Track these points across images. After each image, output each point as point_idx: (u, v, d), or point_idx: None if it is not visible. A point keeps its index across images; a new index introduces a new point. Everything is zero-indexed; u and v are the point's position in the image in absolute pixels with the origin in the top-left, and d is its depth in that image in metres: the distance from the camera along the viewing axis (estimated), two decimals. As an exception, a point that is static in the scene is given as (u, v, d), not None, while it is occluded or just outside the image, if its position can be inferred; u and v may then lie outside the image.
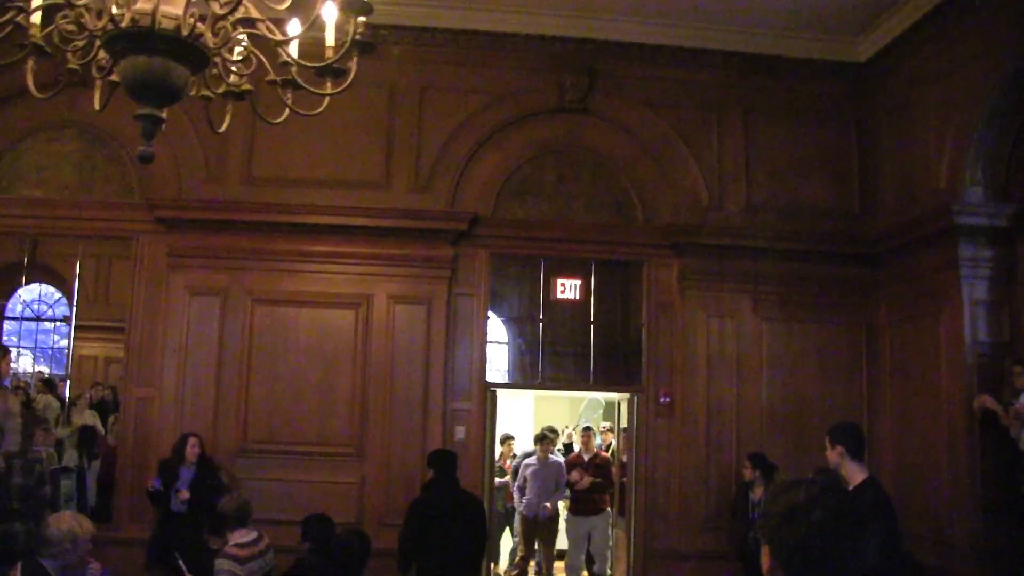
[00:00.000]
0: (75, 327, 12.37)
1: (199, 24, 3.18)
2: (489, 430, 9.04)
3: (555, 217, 9.22)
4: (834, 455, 5.21)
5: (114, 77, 3.48)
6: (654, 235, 9.19)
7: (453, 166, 9.09)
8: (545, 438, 10.14)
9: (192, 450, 7.89)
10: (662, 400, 9.02)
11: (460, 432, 8.64)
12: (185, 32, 3.13)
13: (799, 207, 9.32)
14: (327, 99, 4.15)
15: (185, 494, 7.71)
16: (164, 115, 3.45)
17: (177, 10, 3.17)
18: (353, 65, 3.65)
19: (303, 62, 3.77)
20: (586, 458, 10.24)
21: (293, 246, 8.77)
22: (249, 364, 8.64)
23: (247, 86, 3.85)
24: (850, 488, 5.16)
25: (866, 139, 9.48)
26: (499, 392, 9.43)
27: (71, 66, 3.41)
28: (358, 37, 3.47)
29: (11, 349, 10.02)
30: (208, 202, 8.73)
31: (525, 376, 9.96)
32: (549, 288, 9.35)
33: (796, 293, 9.21)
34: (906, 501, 8.27)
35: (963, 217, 8.02)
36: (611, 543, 10.12)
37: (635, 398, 9.19)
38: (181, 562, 5.44)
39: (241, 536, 5.44)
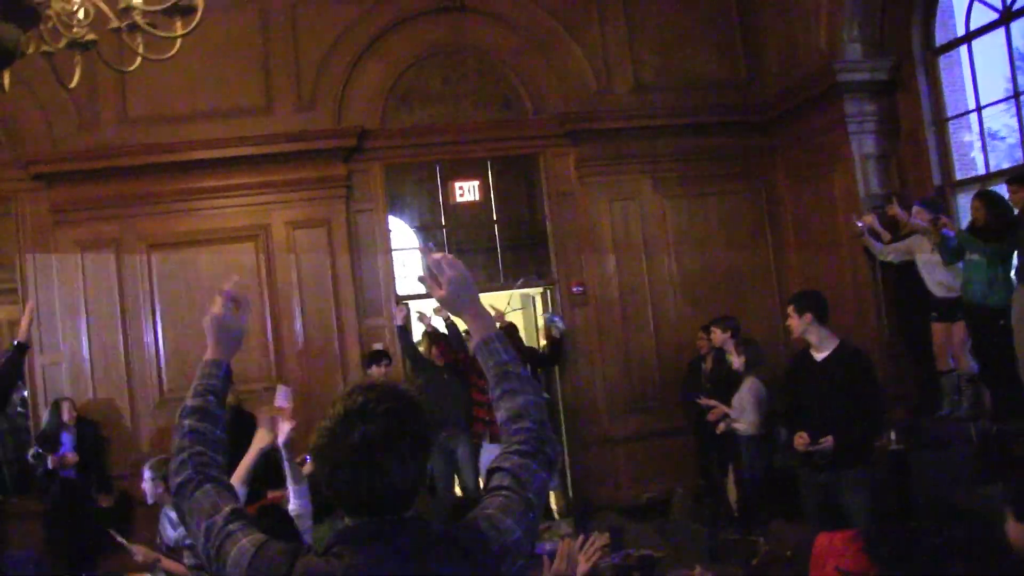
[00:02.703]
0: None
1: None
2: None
3: (445, 120, 9.05)
4: (801, 323, 5.25)
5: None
6: (547, 126, 9.09)
7: (335, 81, 8.82)
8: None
9: (69, 414, 7.84)
10: (575, 290, 9.07)
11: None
12: None
13: (688, 81, 9.24)
14: (179, 41, 4.00)
15: (73, 457, 7.68)
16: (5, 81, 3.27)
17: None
18: (200, 1, 3.48)
19: (145, 6, 3.60)
20: None
21: (181, 185, 8.52)
22: (154, 313, 8.48)
23: (91, 36, 3.66)
24: (821, 356, 5.27)
25: (747, 6, 9.39)
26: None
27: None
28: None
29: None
30: (85, 151, 8.38)
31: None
32: (448, 192, 9.26)
33: (694, 167, 9.24)
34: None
35: (845, 74, 8.12)
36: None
37: (547, 291, 9.24)
38: (120, 539, 5.40)
39: None
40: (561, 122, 9.01)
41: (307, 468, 6.05)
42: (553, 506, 8.61)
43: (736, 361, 7.25)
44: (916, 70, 8.09)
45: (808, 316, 5.23)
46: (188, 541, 4.51)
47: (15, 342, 5.84)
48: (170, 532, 5.01)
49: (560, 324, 8.43)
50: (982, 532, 3.96)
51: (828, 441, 5.24)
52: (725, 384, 7.43)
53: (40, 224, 8.42)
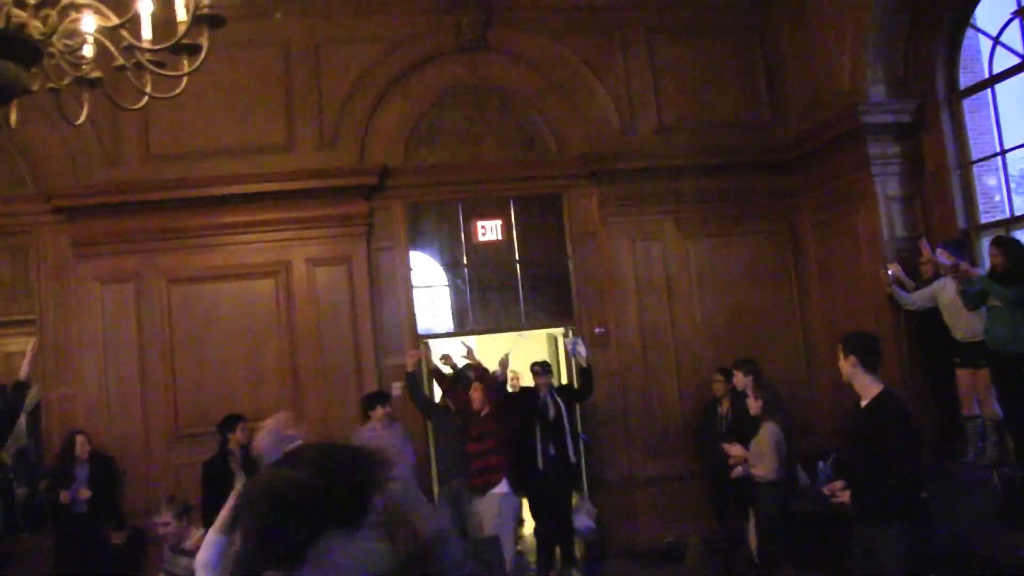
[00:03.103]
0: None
1: (18, 12, 2.96)
2: (427, 382, 8.93)
3: (467, 159, 9.05)
4: (846, 365, 4.98)
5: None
6: (569, 166, 9.09)
7: (357, 119, 8.85)
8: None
9: (82, 448, 7.72)
10: (597, 331, 8.99)
11: (396, 389, 8.45)
12: (1, 23, 2.90)
13: (711, 122, 9.24)
14: (185, 80, 3.97)
15: (86, 492, 7.56)
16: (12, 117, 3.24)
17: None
18: (205, 40, 3.46)
19: (148, 45, 3.56)
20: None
21: (202, 220, 8.50)
22: (172, 347, 8.41)
23: (96, 73, 3.63)
24: (864, 403, 4.99)
25: (770, 48, 9.45)
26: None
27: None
28: (205, 11, 3.28)
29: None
30: (107, 186, 8.39)
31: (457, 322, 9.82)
32: (470, 231, 9.20)
33: (717, 208, 9.20)
34: (847, 403, 8.37)
35: (868, 116, 8.12)
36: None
37: (569, 332, 9.15)
38: None
39: None
40: (584, 162, 9.01)
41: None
42: (578, 553, 8.38)
43: (754, 406, 7.13)
44: (940, 112, 8.10)
45: (852, 359, 4.95)
46: None
47: (16, 381, 5.80)
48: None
49: (582, 350, 8.24)
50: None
51: (843, 495, 5.09)
52: (742, 428, 7.32)
53: (60, 257, 8.40)
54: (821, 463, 8.24)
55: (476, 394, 7.37)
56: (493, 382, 7.72)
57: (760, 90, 9.38)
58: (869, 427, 5.05)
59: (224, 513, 3.77)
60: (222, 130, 8.65)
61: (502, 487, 7.23)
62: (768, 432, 6.97)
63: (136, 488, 8.08)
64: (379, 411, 7.67)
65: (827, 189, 8.88)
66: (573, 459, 7.99)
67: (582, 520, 8.30)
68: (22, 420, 8.53)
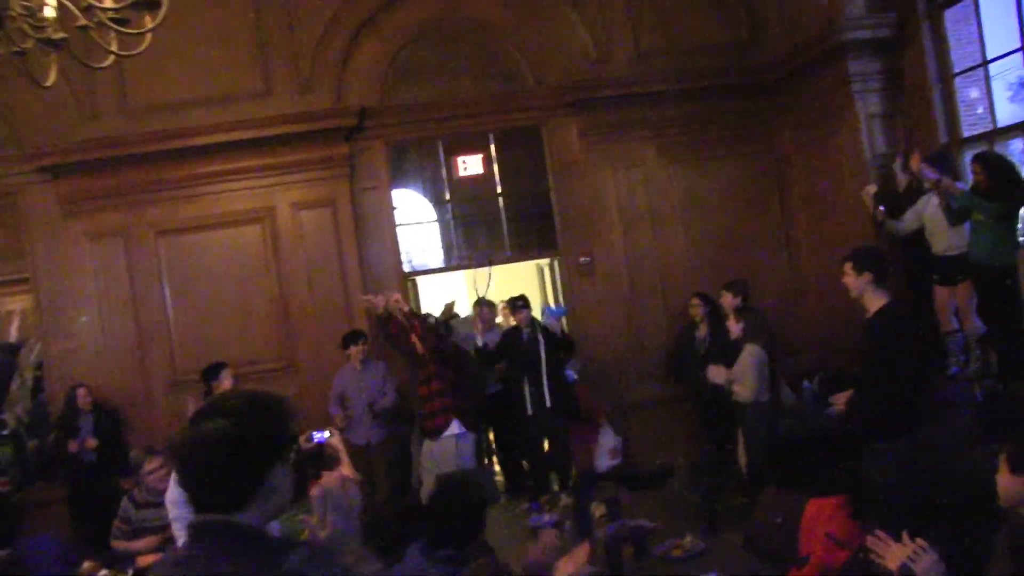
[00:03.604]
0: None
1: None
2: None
3: (445, 96, 9.03)
4: (859, 281, 4.87)
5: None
6: (548, 97, 9.05)
7: (333, 60, 8.82)
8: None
9: (84, 400, 8.02)
10: (581, 261, 9.06)
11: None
12: None
13: (690, 45, 9.11)
14: (148, 36, 4.03)
15: (92, 442, 7.89)
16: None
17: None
18: None
19: (110, 3, 3.62)
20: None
21: (186, 171, 8.59)
22: (164, 298, 8.60)
23: (60, 34, 3.69)
24: (869, 315, 4.91)
25: (747, -34, 9.21)
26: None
27: None
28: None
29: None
30: (88, 142, 8.43)
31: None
32: (451, 167, 9.24)
33: (698, 133, 9.15)
34: (832, 320, 8.45)
35: (848, 33, 7.98)
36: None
37: (554, 262, 9.23)
38: None
39: None
40: (562, 92, 8.96)
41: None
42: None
43: (734, 328, 7.20)
44: (921, 25, 7.93)
45: (867, 276, 4.83)
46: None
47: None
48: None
49: (553, 321, 8.20)
50: (974, 493, 3.92)
51: (837, 403, 5.15)
52: (725, 351, 7.39)
53: (48, 215, 8.54)
54: (806, 383, 8.38)
55: (414, 338, 7.32)
56: (427, 326, 7.57)
57: (738, 10, 9.20)
58: (873, 337, 4.99)
59: None
60: (199, 79, 8.66)
61: (454, 428, 7.26)
62: (748, 353, 7.06)
63: (140, 435, 8.32)
64: (353, 349, 7.89)
65: (808, 109, 8.79)
66: (549, 403, 7.88)
67: (604, 460, 8.49)
68: (29, 377, 8.84)
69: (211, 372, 7.43)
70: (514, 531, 5.31)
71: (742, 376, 7.06)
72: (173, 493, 5.07)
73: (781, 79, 8.92)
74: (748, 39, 9.19)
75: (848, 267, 4.97)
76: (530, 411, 7.86)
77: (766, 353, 7.14)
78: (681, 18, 9.12)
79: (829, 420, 6.45)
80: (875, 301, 4.89)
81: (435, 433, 7.31)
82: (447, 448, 7.24)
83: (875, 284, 4.88)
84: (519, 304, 8.11)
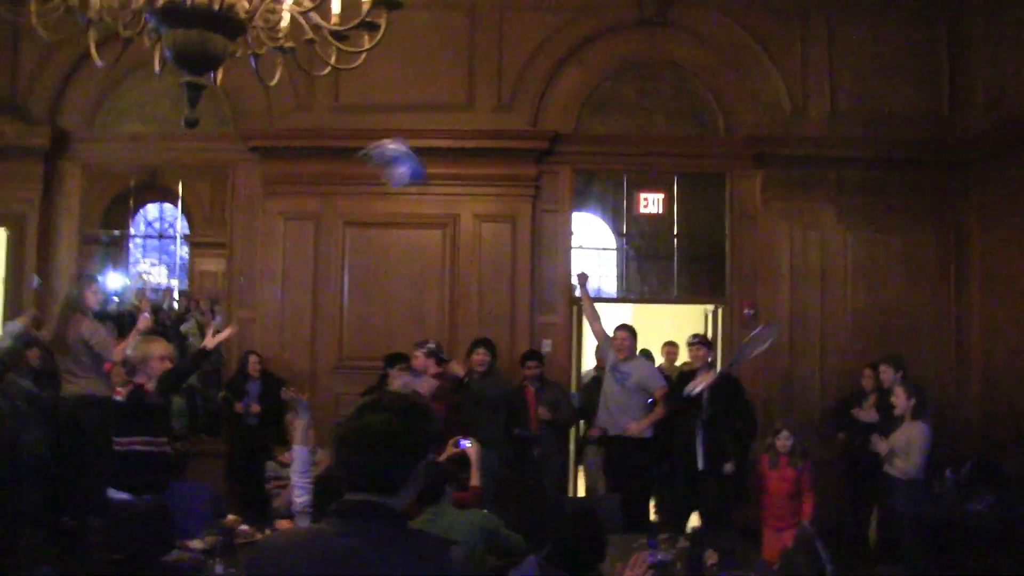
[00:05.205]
0: (191, 244, 13.13)
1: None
2: (575, 343, 9.32)
3: (636, 131, 9.27)
4: None
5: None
6: (736, 146, 9.17)
7: (535, 85, 9.18)
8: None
9: (254, 367, 8.52)
10: (746, 312, 9.10)
11: (547, 345, 8.91)
12: (216, 6, 3.43)
13: (885, 112, 9.10)
14: (364, 54, 4.37)
15: (256, 407, 8.40)
16: (208, 82, 3.74)
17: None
18: (383, 20, 3.84)
19: (335, 21, 4.00)
20: None
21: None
22: (343, 284, 9.07)
23: (289, 44, 4.09)
24: None
25: (956, 38, 9.11)
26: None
27: (125, 35, 3.72)
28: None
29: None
30: (298, 131, 9.06)
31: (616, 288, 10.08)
32: (632, 202, 9.46)
33: (881, 201, 9.08)
34: (995, 409, 8.28)
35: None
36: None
37: (719, 310, 9.32)
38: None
39: None
40: (751, 144, 9.07)
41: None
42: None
43: (903, 405, 7.10)
44: None
45: None
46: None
47: (201, 347, 6.43)
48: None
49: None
50: None
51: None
52: (888, 424, 7.31)
53: (252, 192, 9.17)
54: (949, 471, 8.11)
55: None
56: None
57: (942, 82, 9.12)
58: None
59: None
60: (407, 86, 9.14)
61: None
62: (920, 430, 6.94)
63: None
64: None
65: (1003, 191, 8.52)
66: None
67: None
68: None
69: (391, 361, 7.62)
70: (626, 562, 5.39)
71: (905, 451, 6.96)
72: (299, 459, 5.38)
73: (977, 157, 8.76)
74: (948, 112, 9.09)
75: None
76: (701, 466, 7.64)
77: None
78: (880, 83, 9.12)
79: (968, 515, 6.36)
80: None
81: None
82: None
83: None
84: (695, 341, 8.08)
